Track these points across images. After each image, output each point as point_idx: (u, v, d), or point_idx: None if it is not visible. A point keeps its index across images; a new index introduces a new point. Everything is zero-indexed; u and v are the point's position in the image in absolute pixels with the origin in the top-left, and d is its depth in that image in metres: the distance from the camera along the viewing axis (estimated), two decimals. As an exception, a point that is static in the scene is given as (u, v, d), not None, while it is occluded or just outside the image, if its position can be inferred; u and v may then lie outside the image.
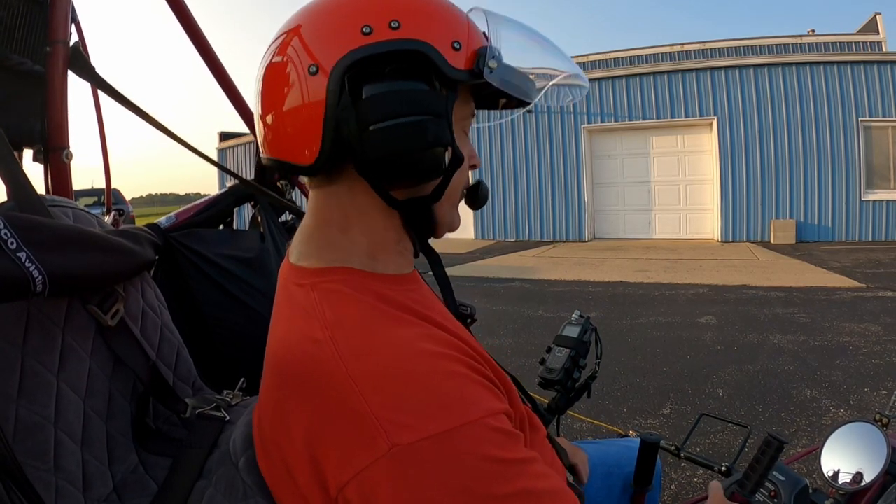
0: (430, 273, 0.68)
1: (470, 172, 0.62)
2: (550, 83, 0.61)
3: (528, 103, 0.61)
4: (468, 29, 0.54)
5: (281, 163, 0.55)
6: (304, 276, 0.56)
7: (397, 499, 0.41)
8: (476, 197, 0.64)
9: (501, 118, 0.70)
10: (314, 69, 0.50)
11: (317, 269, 0.56)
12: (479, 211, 12.22)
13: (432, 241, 0.64)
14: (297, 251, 0.60)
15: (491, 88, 0.55)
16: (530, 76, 0.59)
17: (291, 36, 0.53)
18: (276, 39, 0.55)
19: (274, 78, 0.53)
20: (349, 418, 0.44)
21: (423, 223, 0.58)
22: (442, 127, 0.51)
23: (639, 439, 0.98)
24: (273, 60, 0.54)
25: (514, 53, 0.56)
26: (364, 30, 0.49)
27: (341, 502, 0.44)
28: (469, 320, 0.82)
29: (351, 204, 0.55)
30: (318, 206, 0.58)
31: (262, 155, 0.58)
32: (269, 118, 0.54)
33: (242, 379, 0.83)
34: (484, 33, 0.57)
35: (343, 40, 0.50)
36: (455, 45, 0.52)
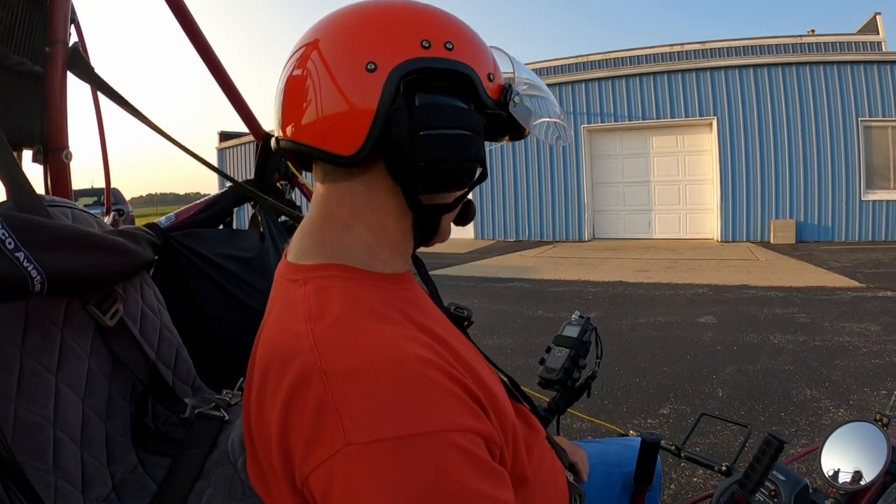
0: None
1: None
2: (543, 120, 0.68)
3: (521, 138, 0.69)
4: (495, 65, 0.61)
5: (311, 148, 0.55)
6: (299, 272, 0.57)
7: (345, 498, 0.41)
8: (465, 214, 0.67)
9: (491, 146, 0.75)
10: (372, 67, 0.53)
11: (313, 265, 0.57)
12: (479, 211, 12.15)
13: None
14: (295, 248, 0.60)
15: (496, 122, 0.62)
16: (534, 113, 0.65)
17: (348, 32, 0.55)
18: (320, 34, 0.56)
19: (318, 68, 0.54)
20: (315, 411, 0.44)
21: (429, 229, 0.60)
22: (481, 144, 0.56)
23: (639, 439, 0.98)
24: (318, 53, 0.55)
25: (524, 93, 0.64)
26: (424, 43, 0.54)
27: (306, 494, 0.45)
28: (466, 323, 0.82)
29: (366, 201, 0.57)
30: (328, 200, 0.58)
31: (282, 138, 0.58)
32: (309, 105, 0.55)
33: (242, 378, 0.83)
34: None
35: (404, 47, 0.53)
36: (490, 76, 0.58)
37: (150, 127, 1.08)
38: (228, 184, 1.32)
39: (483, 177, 0.59)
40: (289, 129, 0.57)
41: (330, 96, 0.53)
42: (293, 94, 0.56)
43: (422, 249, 0.66)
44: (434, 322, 0.58)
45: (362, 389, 0.44)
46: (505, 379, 0.71)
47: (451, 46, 0.55)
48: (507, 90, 0.59)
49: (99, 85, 1.07)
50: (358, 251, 0.57)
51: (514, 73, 0.63)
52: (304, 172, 1.53)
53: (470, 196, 0.63)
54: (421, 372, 0.46)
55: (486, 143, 0.72)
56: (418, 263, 0.70)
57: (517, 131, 0.66)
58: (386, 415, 0.43)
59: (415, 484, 0.41)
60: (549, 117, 0.68)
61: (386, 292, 0.56)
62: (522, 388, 0.77)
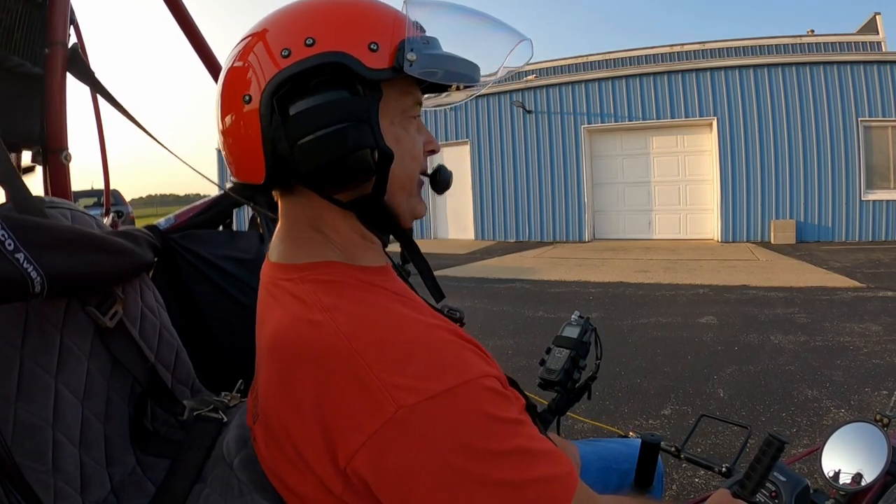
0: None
1: (429, 159, 0.65)
2: (499, 66, 0.61)
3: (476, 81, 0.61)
4: (392, 26, 0.56)
5: (241, 185, 0.60)
6: (289, 272, 0.59)
7: (404, 458, 0.44)
8: (437, 182, 0.66)
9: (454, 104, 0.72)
10: (247, 98, 0.55)
11: (300, 265, 0.59)
12: (480, 212, 12.18)
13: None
14: (276, 250, 0.63)
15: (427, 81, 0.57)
16: (466, 57, 0.59)
17: (229, 70, 0.58)
18: (222, 75, 0.59)
19: (221, 111, 0.58)
20: (356, 387, 0.46)
21: (379, 218, 0.60)
22: (362, 131, 0.53)
23: (638, 439, 0.98)
24: (218, 96, 0.59)
25: (448, 36, 0.58)
26: (283, 53, 0.53)
27: (350, 472, 0.47)
28: (459, 325, 0.82)
29: (311, 209, 0.59)
30: (286, 212, 0.62)
31: (234, 182, 0.62)
32: (224, 147, 0.60)
33: (241, 381, 0.83)
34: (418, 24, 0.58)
35: (267, 67, 0.54)
36: (371, 46, 0.54)
37: (143, 131, 1.08)
38: (228, 185, 1.32)
39: (385, 157, 0.55)
40: (230, 169, 0.61)
41: (230, 137, 0.57)
42: (222, 135, 0.60)
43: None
44: (422, 306, 0.61)
45: (396, 359, 0.47)
46: None
47: (311, 41, 0.53)
48: (399, 51, 0.54)
49: (97, 87, 1.07)
50: (336, 249, 0.59)
51: (419, 23, 0.57)
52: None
53: (437, 163, 0.64)
54: (438, 335, 0.52)
55: (449, 102, 0.71)
56: (411, 249, 0.70)
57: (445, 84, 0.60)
58: (427, 375, 0.46)
59: (464, 429, 0.45)
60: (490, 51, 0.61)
61: (376, 280, 0.59)
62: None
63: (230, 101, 0.57)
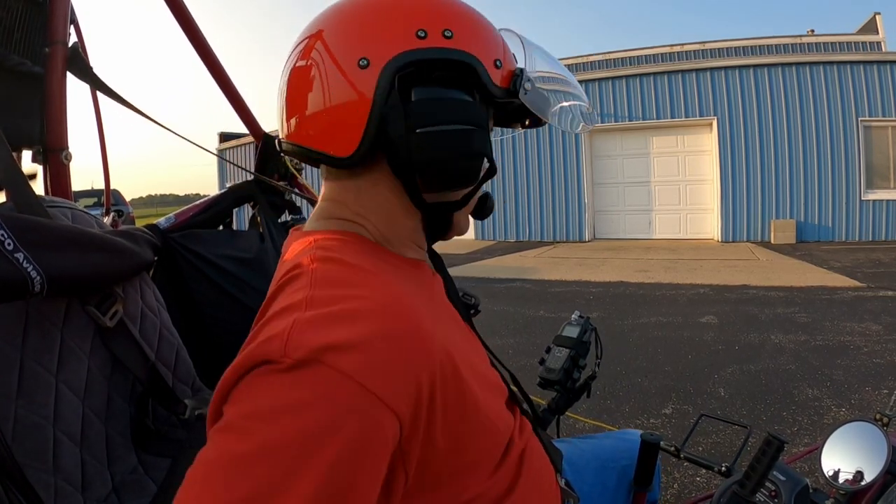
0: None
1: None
2: (566, 104, 0.64)
3: (542, 124, 0.65)
4: (505, 49, 0.57)
5: (309, 151, 0.54)
6: (310, 234, 0.55)
7: (235, 401, 0.41)
8: (483, 208, 0.65)
9: (503, 134, 0.73)
10: (365, 62, 0.50)
11: (326, 231, 0.55)
12: (480, 211, 12.22)
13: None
14: (309, 226, 0.60)
15: (509, 109, 0.60)
16: (551, 101, 0.62)
17: (338, 26, 0.53)
18: (316, 29, 0.54)
19: (314, 66, 0.52)
20: (279, 327, 0.41)
21: (441, 226, 0.59)
22: (485, 138, 0.53)
23: (634, 432, 0.98)
24: (314, 49, 0.53)
25: (540, 78, 0.60)
26: (419, 33, 0.51)
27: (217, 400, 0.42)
28: (472, 310, 0.82)
29: (371, 198, 0.55)
30: (334, 196, 0.57)
31: (283, 141, 0.57)
32: (305, 105, 0.53)
33: (242, 379, 0.83)
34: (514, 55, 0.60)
35: (397, 40, 0.50)
36: (497, 62, 0.54)
37: (154, 122, 1.08)
38: (228, 185, 1.33)
39: (492, 171, 0.56)
40: (290, 128, 0.55)
41: (325, 95, 0.52)
42: (293, 90, 0.55)
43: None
44: (442, 309, 0.58)
45: (332, 322, 0.40)
46: (506, 375, 0.70)
47: (449, 34, 0.51)
48: (517, 77, 0.56)
49: (98, 85, 1.07)
50: (373, 231, 0.56)
51: (525, 57, 0.60)
52: (302, 173, 1.54)
53: (484, 188, 0.61)
54: (414, 328, 0.43)
55: (504, 130, 0.72)
56: (436, 261, 0.67)
57: (535, 118, 0.63)
58: (332, 342, 0.39)
59: (249, 408, 0.39)
60: (566, 102, 0.64)
61: (401, 265, 0.55)
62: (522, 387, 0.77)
63: (344, 57, 0.51)
